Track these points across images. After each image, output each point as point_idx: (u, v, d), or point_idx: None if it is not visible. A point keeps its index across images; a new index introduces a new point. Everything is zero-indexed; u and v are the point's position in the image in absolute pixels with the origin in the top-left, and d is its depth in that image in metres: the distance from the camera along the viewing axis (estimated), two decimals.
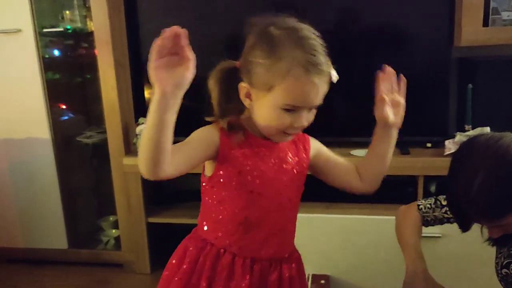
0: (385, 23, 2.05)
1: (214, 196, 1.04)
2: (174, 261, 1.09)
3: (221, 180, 1.01)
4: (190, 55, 0.77)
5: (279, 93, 0.91)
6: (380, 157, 1.05)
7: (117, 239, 2.45)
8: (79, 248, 2.47)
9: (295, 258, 1.13)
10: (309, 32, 0.93)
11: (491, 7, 1.94)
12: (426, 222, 1.32)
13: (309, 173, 1.10)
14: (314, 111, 0.97)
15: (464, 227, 1.09)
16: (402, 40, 2.06)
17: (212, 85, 1.01)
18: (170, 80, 0.77)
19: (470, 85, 1.95)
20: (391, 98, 0.99)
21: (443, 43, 2.00)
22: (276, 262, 1.07)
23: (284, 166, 1.03)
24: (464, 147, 1.05)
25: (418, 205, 1.34)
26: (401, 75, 1.01)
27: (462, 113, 2.03)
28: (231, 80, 1.00)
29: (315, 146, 1.11)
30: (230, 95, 1.00)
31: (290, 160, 1.04)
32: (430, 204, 1.32)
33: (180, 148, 0.93)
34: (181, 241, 1.12)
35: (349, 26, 2.11)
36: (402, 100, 1.00)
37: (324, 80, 0.93)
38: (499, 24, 1.95)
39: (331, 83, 0.96)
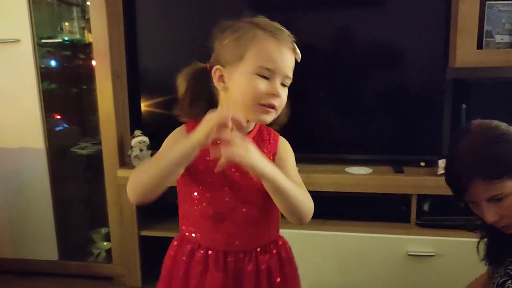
0: (382, 44, 2.08)
1: (184, 192, 1.07)
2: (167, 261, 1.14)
3: (189, 175, 1.03)
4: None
5: (251, 58, 0.95)
6: (272, 194, 0.96)
7: (108, 251, 2.43)
8: (70, 260, 2.44)
9: (273, 249, 1.11)
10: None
11: (485, 30, 1.97)
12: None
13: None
14: (286, 90, 0.98)
15: (458, 194, 1.09)
16: (399, 60, 2.08)
17: (181, 82, 1.05)
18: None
19: (464, 106, 1.98)
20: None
21: (438, 64, 2.03)
22: (251, 254, 1.07)
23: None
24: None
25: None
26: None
27: None
28: (199, 81, 1.04)
29: (283, 149, 1.07)
30: (196, 94, 1.04)
31: None
32: None
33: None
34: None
35: (346, 46, 2.14)
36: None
37: (289, 50, 0.97)
38: (493, 47, 1.98)
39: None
